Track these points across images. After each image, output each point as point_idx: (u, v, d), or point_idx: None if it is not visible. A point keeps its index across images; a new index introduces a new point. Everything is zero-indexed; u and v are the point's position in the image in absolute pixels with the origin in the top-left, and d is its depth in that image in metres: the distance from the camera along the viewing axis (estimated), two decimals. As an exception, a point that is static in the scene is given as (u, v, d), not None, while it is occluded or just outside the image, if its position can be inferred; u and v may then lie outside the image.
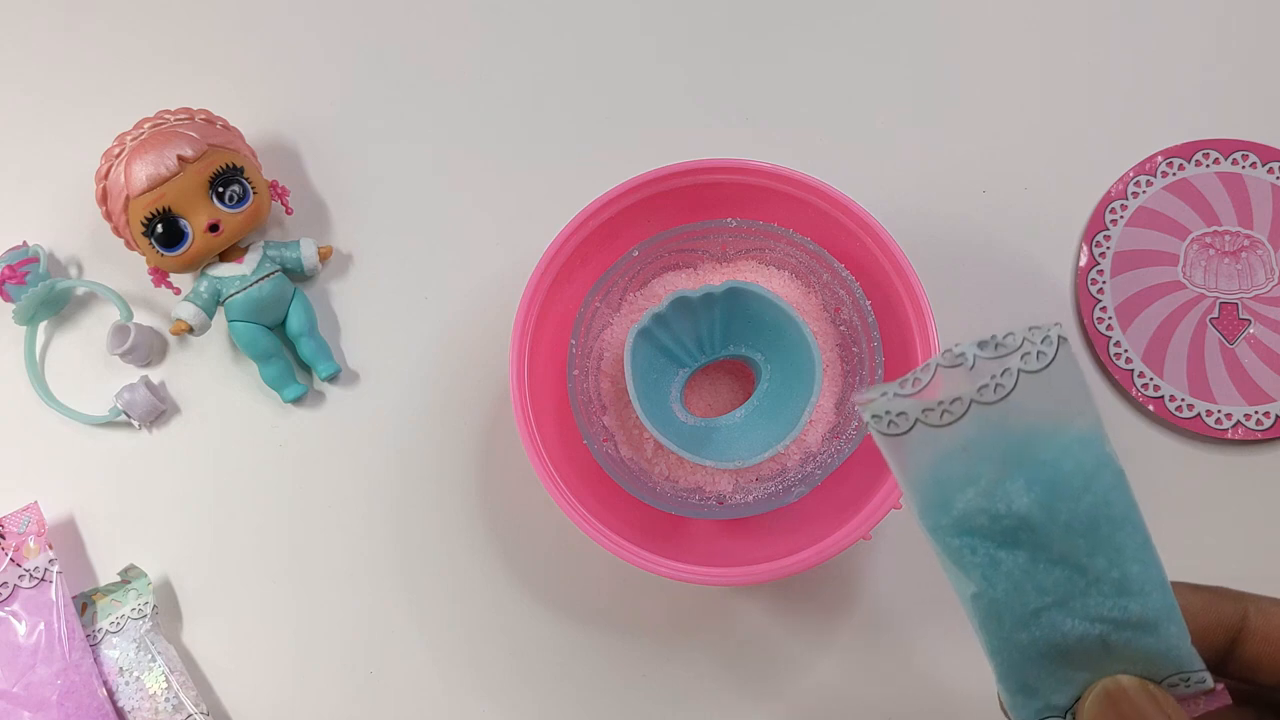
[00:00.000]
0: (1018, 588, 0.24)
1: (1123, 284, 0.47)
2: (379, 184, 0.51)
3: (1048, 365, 0.23)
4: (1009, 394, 0.23)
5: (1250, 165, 0.48)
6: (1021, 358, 0.23)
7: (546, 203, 0.44)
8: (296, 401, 0.48)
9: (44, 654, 0.43)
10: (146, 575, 0.45)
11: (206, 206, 0.46)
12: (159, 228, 0.45)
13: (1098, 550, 0.23)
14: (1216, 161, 0.49)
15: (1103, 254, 0.48)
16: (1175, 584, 0.24)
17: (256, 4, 0.54)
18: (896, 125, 0.51)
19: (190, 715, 0.43)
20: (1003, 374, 0.23)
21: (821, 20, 0.52)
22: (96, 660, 0.44)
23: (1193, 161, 0.49)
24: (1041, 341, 0.23)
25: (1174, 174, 0.49)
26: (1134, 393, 0.46)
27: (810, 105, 0.51)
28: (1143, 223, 0.48)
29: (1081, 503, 0.23)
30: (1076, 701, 0.25)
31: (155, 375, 0.49)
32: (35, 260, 0.49)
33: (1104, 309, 0.47)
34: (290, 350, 0.49)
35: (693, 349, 0.43)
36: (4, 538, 0.45)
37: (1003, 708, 0.26)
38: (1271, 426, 0.46)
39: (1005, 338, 0.23)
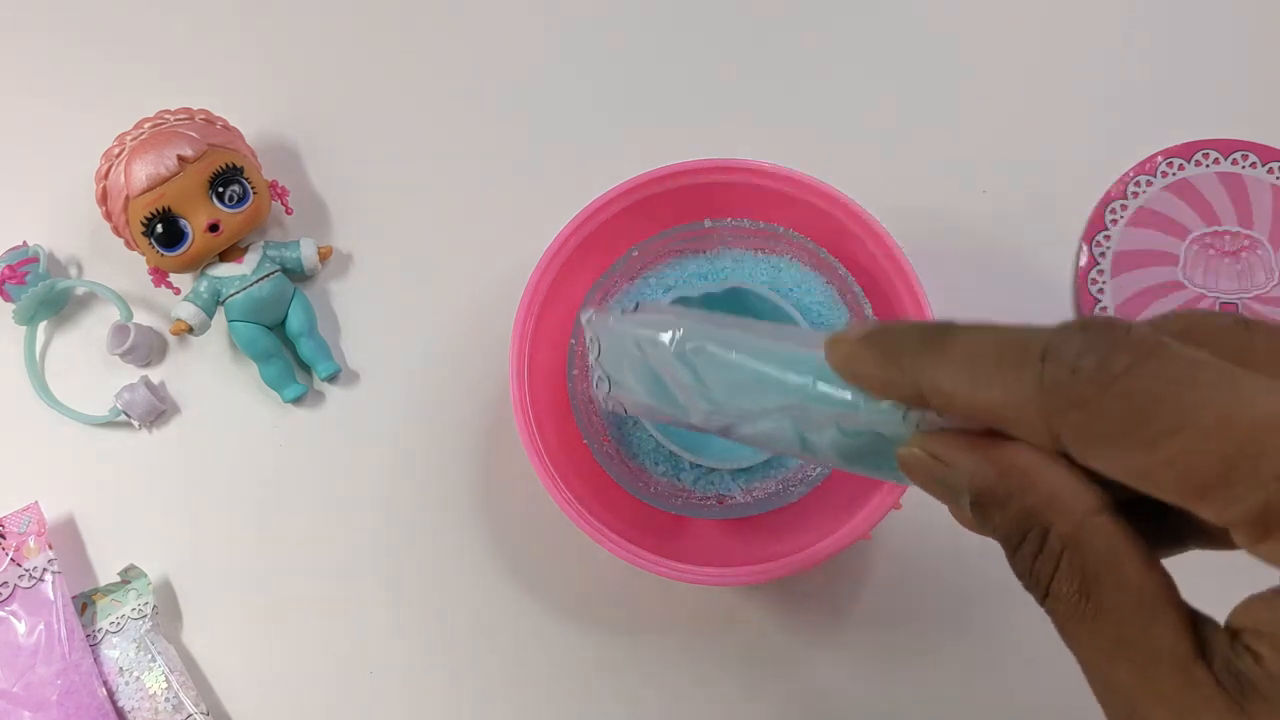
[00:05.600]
0: (782, 436, 0.27)
1: (1123, 284, 0.47)
2: (379, 184, 0.51)
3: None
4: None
5: (1250, 165, 0.48)
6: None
7: (546, 203, 0.44)
8: (296, 401, 0.48)
9: (44, 654, 0.43)
10: (146, 575, 0.45)
11: (206, 206, 0.46)
12: (159, 228, 0.45)
13: (759, 397, 0.27)
14: (1216, 161, 0.49)
15: (1103, 254, 0.48)
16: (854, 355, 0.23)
17: (257, 4, 0.54)
18: (896, 125, 0.51)
19: (190, 715, 0.43)
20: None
21: (822, 21, 0.52)
22: (96, 660, 0.44)
23: (1193, 161, 0.49)
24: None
25: (1174, 174, 0.49)
26: (1134, 393, 0.46)
27: (811, 105, 0.51)
28: (1143, 223, 0.48)
29: (710, 387, 0.29)
30: None
31: (155, 375, 0.49)
32: (35, 260, 0.49)
33: (1104, 309, 0.47)
34: (290, 350, 0.49)
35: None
36: (4, 538, 0.45)
37: None
38: (1271, 426, 0.46)
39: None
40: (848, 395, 0.24)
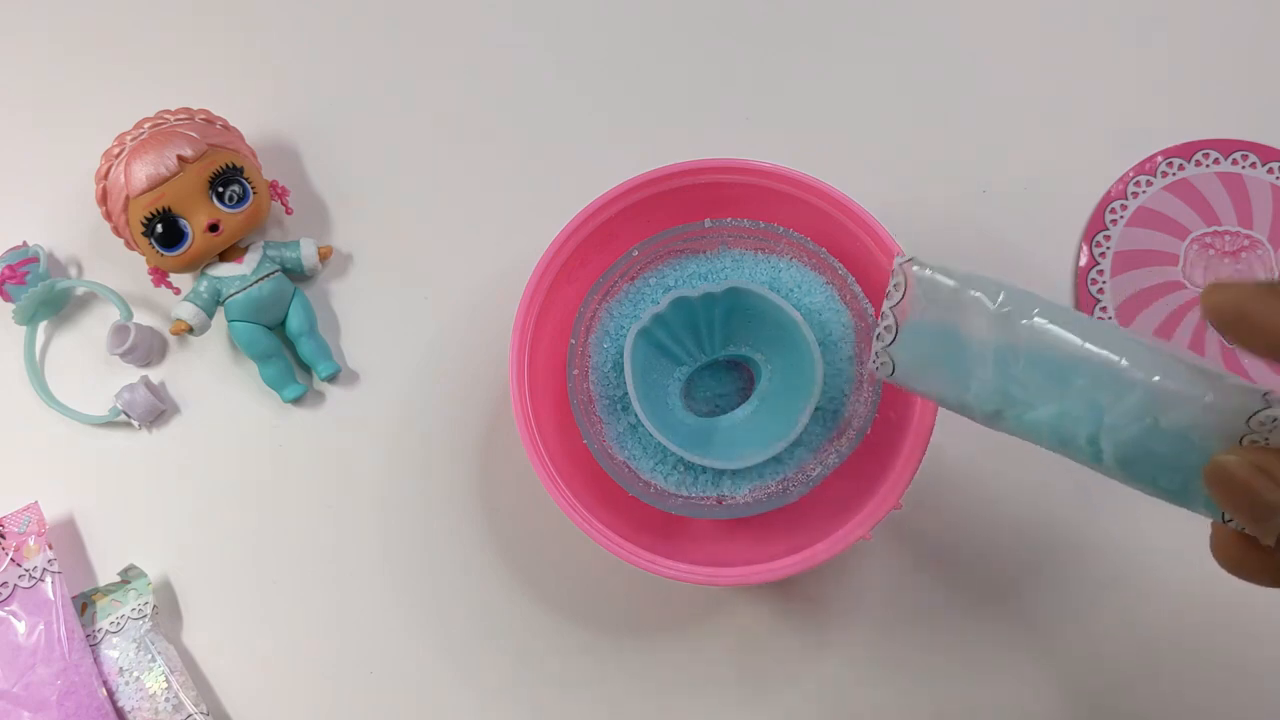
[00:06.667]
0: (1067, 425, 0.27)
1: (1123, 284, 0.47)
2: (379, 184, 0.51)
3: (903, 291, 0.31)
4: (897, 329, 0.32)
5: (1250, 165, 0.48)
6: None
7: (546, 203, 0.44)
8: (296, 401, 0.48)
9: (44, 654, 0.43)
10: (146, 575, 0.45)
11: (206, 206, 0.46)
12: (159, 228, 0.45)
13: (1069, 376, 0.27)
14: (1216, 161, 0.49)
15: (1103, 254, 0.48)
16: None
17: (256, 4, 0.54)
18: (896, 125, 0.51)
19: (190, 715, 0.43)
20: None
21: (822, 20, 0.52)
22: (96, 660, 0.44)
23: (1193, 161, 0.49)
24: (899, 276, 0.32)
25: (1174, 174, 0.49)
26: (1134, 393, 0.46)
27: (810, 105, 0.51)
28: (1143, 223, 0.48)
29: (1020, 358, 0.28)
30: None
31: (155, 375, 0.49)
32: (35, 260, 0.49)
33: (1104, 309, 0.47)
34: (290, 350, 0.49)
35: (692, 348, 0.43)
36: (4, 538, 0.45)
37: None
38: (1271, 426, 0.46)
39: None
40: (1193, 387, 0.24)
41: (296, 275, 0.49)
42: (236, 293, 0.47)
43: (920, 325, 0.31)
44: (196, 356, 0.49)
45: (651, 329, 0.41)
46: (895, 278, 0.32)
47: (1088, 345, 0.27)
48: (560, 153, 0.51)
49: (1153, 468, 0.25)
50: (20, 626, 0.44)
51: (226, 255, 0.47)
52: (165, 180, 0.45)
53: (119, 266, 0.50)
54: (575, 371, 0.41)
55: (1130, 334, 0.27)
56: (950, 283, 0.30)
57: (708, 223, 0.41)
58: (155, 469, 0.48)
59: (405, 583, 0.46)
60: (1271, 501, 0.20)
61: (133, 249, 0.48)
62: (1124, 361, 0.26)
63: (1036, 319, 0.28)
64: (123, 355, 0.48)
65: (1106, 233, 0.48)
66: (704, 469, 0.40)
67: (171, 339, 0.50)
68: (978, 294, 0.30)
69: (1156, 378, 0.25)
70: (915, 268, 0.31)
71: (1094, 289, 0.47)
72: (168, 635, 0.45)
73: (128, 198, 0.45)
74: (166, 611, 0.46)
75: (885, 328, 0.32)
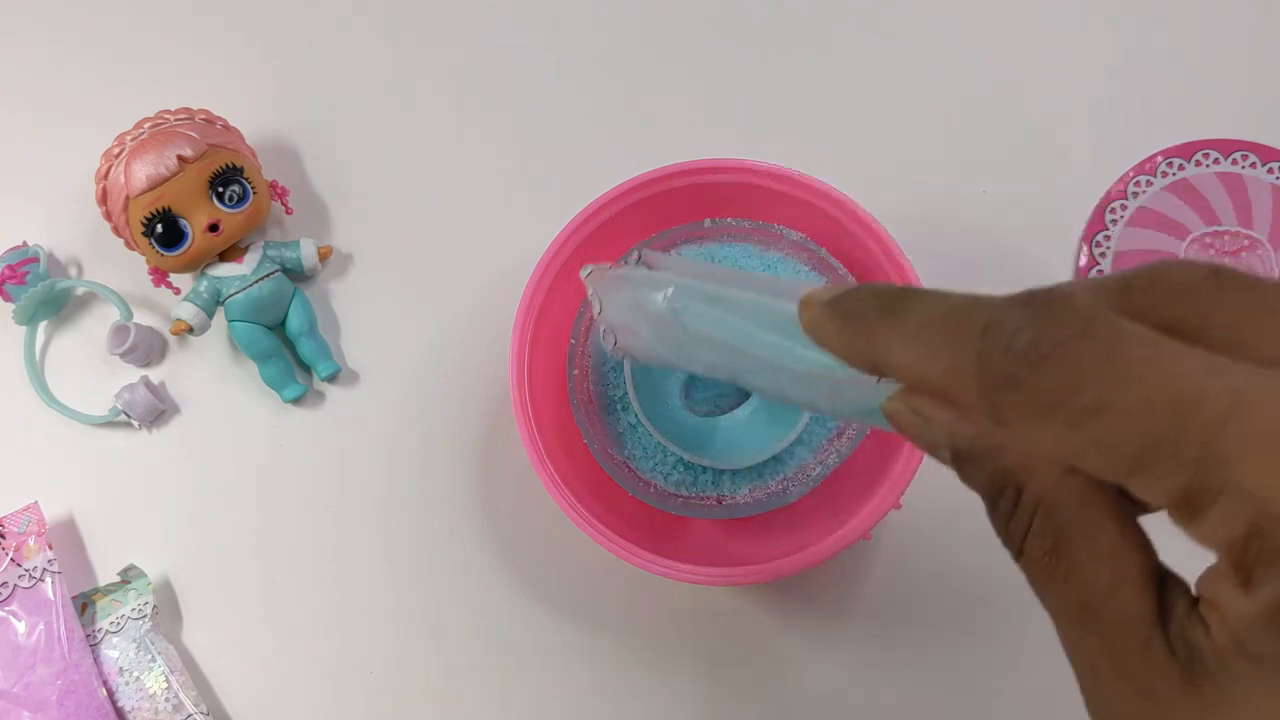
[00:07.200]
0: (779, 394, 0.27)
1: (1123, 284, 0.47)
2: (379, 184, 0.51)
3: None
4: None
5: (1250, 165, 0.48)
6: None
7: (546, 203, 0.44)
8: (296, 401, 0.48)
9: (44, 654, 0.43)
10: (146, 575, 0.45)
11: (206, 206, 0.46)
12: (159, 228, 0.45)
13: (746, 359, 0.27)
14: (1216, 161, 0.49)
15: (1103, 254, 0.48)
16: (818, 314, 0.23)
17: (256, 4, 0.54)
18: (896, 125, 0.51)
19: (190, 715, 0.43)
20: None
21: (822, 21, 0.52)
22: (96, 660, 0.44)
23: (1193, 161, 0.49)
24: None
25: (1174, 174, 0.49)
26: (1134, 393, 0.46)
27: (811, 106, 0.51)
28: (1143, 223, 0.48)
29: (704, 346, 0.29)
30: None
31: (155, 375, 0.49)
32: (35, 260, 0.49)
33: (1104, 309, 0.47)
34: (290, 350, 0.49)
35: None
36: (4, 538, 0.45)
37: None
38: (1271, 426, 0.46)
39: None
40: (826, 359, 0.24)
41: (296, 275, 0.49)
42: (236, 293, 0.47)
43: (629, 319, 0.32)
44: (196, 356, 0.49)
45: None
46: (589, 288, 0.34)
47: (745, 327, 0.27)
48: (560, 153, 0.51)
49: (861, 417, 0.25)
50: (20, 626, 0.44)
51: (226, 255, 0.47)
52: (165, 180, 0.45)
53: (119, 266, 0.50)
54: (575, 371, 0.41)
55: (793, 294, 0.26)
56: (624, 286, 0.32)
57: (708, 223, 0.41)
58: (155, 469, 0.48)
59: (404, 583, 0.46)
60: (932, 440, 0.21)
61: (133, 249, 0.48)
62: (775, 338, 0.26)
63: (696, 308, 0.29)
64: (123, 355, 0.48)
65: (1106, 233, 0.48)
66: (704, 469, 0.40)
67: (171, 339, 0.50)
68: (646, 291, 0.30)
69: (798, 349, 0.25)
70: (592, 272, 0.34)
71: (1094, 289, 0.47)
72: (168, 635, 0.45)
73: (128, 198, 0.45)
74: (166, 611, 0.46)
75: (604, 331, 0.34)
